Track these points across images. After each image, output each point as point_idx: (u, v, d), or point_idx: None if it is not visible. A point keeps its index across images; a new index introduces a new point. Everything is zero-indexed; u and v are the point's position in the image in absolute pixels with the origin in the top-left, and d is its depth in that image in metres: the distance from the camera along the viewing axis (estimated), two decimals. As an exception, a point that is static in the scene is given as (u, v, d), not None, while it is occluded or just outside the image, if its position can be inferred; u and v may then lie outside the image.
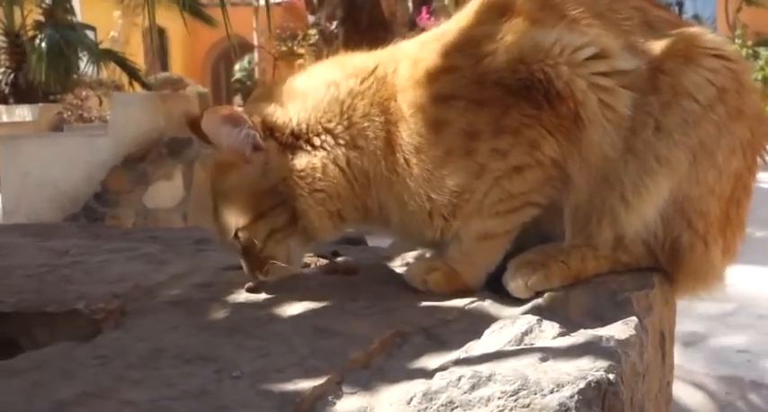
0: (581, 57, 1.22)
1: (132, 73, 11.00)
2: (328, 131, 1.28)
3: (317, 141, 1.28)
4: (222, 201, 1.33)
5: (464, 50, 1.27)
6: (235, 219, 1.30)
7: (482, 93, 1.23)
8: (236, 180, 1.30)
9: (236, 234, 1.30)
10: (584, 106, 1.21)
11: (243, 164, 1.29)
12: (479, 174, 1.24)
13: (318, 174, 1.27)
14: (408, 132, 1.25)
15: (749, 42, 10.62)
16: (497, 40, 1.25)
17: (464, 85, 1.24)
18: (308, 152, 1.28)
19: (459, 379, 0.89)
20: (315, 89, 1.32)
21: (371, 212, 1.33)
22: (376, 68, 1.31)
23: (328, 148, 1.28)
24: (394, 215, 1.31)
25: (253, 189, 1.29)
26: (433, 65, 1.27)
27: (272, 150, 1.29)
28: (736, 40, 10.31)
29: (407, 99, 1.27)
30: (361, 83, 1.30)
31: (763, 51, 10.43)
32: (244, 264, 1.33)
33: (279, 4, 13.90)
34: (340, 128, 1.28)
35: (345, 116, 1.28)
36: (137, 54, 12.98)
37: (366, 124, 1.28)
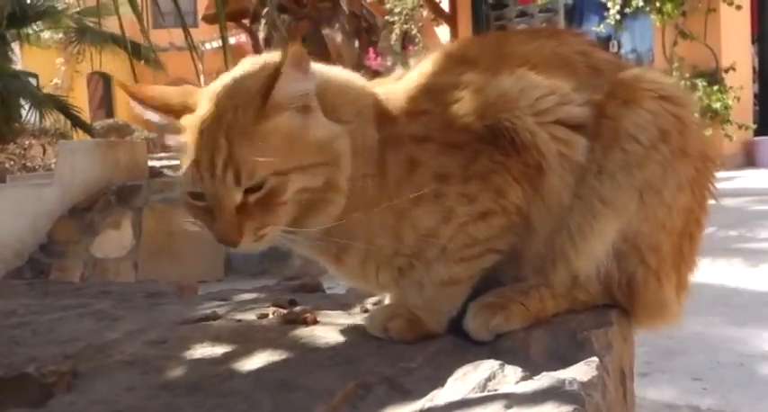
0: (544, 106, 1.24)
1: (76, 120, 10.81)
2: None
3: None
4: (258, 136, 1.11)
5: (431, 96, 1.27)
6: (268, 161, 1.10)
7: (453, 136, 1.23)
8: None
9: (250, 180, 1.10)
10: (546, 156, 1.23)
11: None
12: (447, 218, 1.24)
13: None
14: (394, 162, 1.24)
15: (687, 74, 10.97)
16: (462, 88, 1.25)
17: (435, 128, 1.24)
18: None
19: (427, 430, 0.88)
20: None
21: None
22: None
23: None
24: (354, 248, 1.25)
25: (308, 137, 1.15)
26: (406, 106, 1.27)
27: None
28: (674, 73, 10.64)
29: (390, 132, 1.24)
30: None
31: (700, 83, 10.77)
32: (222, 221, 1.11)
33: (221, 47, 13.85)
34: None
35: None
36: (80, 101, 12.82)
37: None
